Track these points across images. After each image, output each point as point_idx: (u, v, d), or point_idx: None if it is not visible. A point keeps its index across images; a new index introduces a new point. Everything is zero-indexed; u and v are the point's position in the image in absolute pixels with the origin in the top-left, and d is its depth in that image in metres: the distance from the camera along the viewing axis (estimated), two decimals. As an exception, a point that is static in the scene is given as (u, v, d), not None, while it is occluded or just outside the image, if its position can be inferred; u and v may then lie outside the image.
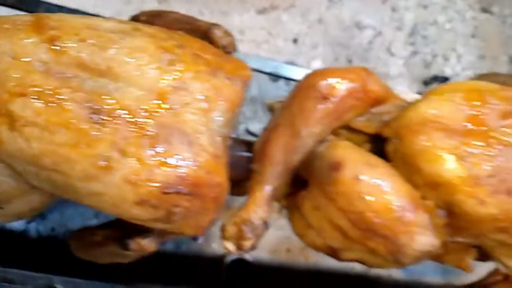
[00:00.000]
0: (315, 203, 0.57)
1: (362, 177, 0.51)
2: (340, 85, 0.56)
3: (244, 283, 0.90)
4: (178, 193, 0.47)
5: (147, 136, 0.46)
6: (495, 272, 0.64)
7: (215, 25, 0.58)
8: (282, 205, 0.66)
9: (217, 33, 0.58)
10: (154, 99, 0.48)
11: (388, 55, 1.16)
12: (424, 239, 0.51)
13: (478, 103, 0.52)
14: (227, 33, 0.58)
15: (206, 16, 1.13)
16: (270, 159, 0.58)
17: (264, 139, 0.59)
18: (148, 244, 0.52)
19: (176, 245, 0.92)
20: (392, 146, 0.56)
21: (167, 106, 0.47)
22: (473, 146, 0.50)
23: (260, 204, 0.59)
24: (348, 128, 0.61)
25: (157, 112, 0.47)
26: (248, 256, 0.93)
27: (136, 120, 0.46)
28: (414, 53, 1.15)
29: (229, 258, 0.91)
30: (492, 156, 0.50)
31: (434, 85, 1.12)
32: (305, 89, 0.56)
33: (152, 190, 0.46)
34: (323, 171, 0.55)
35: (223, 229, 0.60)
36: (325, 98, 0.55)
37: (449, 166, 0.50)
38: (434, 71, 1.14)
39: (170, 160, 0.46)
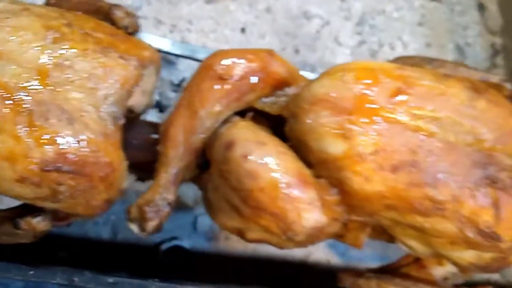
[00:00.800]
0: (215, 183, 0.57)
1: (250, 155, 0.51)
2: (237, 66, 0.56)
3: (180, 271, 0.90)
4: (58, 170, 0.47)
5: (23, 113, 0.46)
6: (407, 254, 0.65)
7: (115, 6, 0.58)
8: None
9: (118, 13, 0.58)
10: (34, 77, 0.48)
11: (336, 45, 1.17)
12: (311, 216, 0.51)
13: (369, 82, 0.53)
14: (128, 14, 0.58)
15: (153, 5, 1.13)
16: (171, 140, 0.58)
17: (167, 121, 0.60)
18: (38, 223, 0.52)
19: (113, 233, 0.92)
20: (288, 126, 0.56)
21: (47, 83, 0.47)
22: (358, 124, 0.51)
23: (164, 186, 0.59)
24: (256, 109, 0.62)
25: (35, 89, 0.47)
26: (185, 244, 0.93)
27: (12, 97, 0.46)
28: (361, 42, 1.15)
29: (164, 246, 0.91)
30: (377, 133, 0.50)
31: None
32: (203, 69, 0.57)
33: (30, 167, 0.46)
34: (219, 150, 0.55)
35: (127, 211, 0.60)
36: (221, 78, 0.55)
37: (334, 143, 0.51)
38: (380, 60, 1.14)
39: (47, 137, 0.46)
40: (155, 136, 0.61)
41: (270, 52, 0.59)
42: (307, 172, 0.53)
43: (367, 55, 1.17)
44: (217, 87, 0.55)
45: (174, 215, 0.98)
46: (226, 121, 0.60)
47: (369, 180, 0.50)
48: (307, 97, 0.54)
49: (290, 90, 0.61)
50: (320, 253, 0.98)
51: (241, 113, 0.62)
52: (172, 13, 1.13)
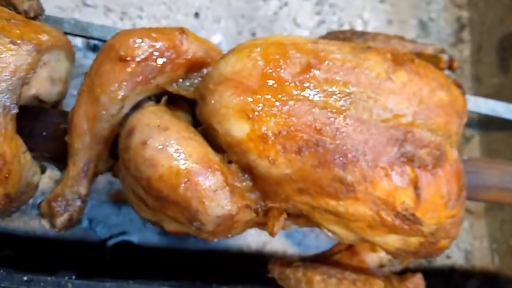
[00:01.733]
0: (122, 174, 0.53)
1: (149, 141, 0.48)
2: (142, 45, 0.52)
3: (128, 266, 0.87)
4: None
5: None
6: (339, 242, 0.61)
7: (14, -11, 0.55)
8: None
9: (17, -3, 0.54)
10: None
11: (294, 26, 1.12)
12: (216, 204, 0.47)
13: (277, 57, 0.49)
14: (29, -2, 0.54)
15: (101, -7, 1.10)
16: (76, 130, 0.55)
17: (72, 109, 0.56)
18: None
19: (60, 229, 0.89)
20: (197, 109, 0.52)
21: None
22: (264, 103, 0.47)
23: (73, 179, 0.56)
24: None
25: None
26: (134, 239, 0.90)
27: None
28: (321, 22, 1.10)
29: (112, 242, 0.88)
30: (282, 112, 0.46)
31: None
32: (104, 51, 0.53)
33: None
34: (122, 138, 0.52)
35: (38, 206, 0.57)
36: (122, 59, 0.52)
37: (237, 125, 0.47)
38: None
39: None
40: (64, 126, 0.58)
41: (181, 30, 0.55)
42: (214, 157, 0.49)
43: (326, 36, 1.13)
44: (118, 69, 0.51)
45: (123, 209, 0.97)
46: (137, 106, 0.56)
47: (275, 163, 0.46)
48: (213, 76, 0.50)
49: (206, 71, 0.57)
50: (276, 243, 0.95)
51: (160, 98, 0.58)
52: (122, 0, 1.09)
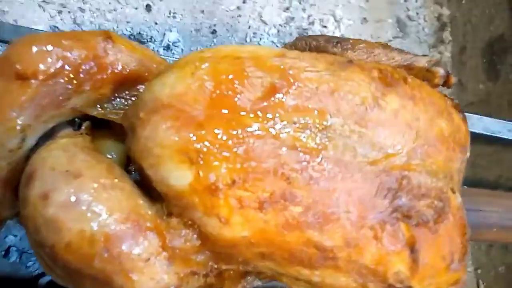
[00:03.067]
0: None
1: (52, 194, 0.35)
2: (48, 57, 0.39)
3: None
4: None
5: None
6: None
7: None
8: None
9: None
10: None
11: (260, 23, 0.99)
12: (149, 278, 0.35)
13: (231, 77, 0.36)
14: None
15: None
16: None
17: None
18: None
19: (-16, 266, 0.75)
20: (127, 142, 0.40)
21: None
22: (212, 141, 0.34)
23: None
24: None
25: None
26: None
27: None
28: (289, 19, 0.98)
29: (45, 278, 0.75)
30: (238, 154, 0.34)
31: None
32: (-3, 64, 0.39)
33: None
34: (21, 185, 0.38)
35: None
36: (21, 76, 0.38)
37: (176, 172, 0.34)
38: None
39: None
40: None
41: (105, 34, 0.42)
42: (146, 212, 0.36)
43: (295, 35, 1.01)
44: (16, 90, 0.38)
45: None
46: (49, 135, 0.43)
47: (228, 223, 0.34)
48: (146, 100, 0.37)
49: (140, 89, 0.44)
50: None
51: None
52: (60, -8, 0.94)
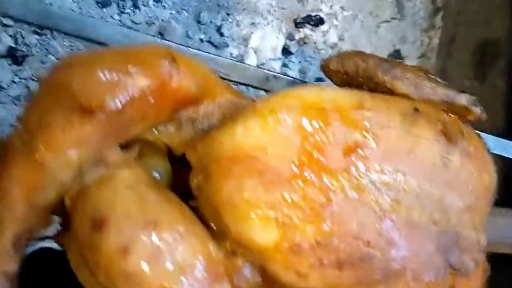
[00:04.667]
0: (77, 261, 0.38)
1: (134, 250, 0.33)
2: (115, 88, 0.34)
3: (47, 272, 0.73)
4: None
5: None
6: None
7: None
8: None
9: None
10: None
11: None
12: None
13: (317, 135, 0.36)
14: None
15: None
16: (5, 195, 0.36)
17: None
18: None
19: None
20: (195, 180, 0.38)
21: None
22: (298, 201, 0.35)
23: (-1, 255, 0.39)
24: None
25: None
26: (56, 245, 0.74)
27: None
28: (284, -12, 0.93)
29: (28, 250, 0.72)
30: (323, 214, 0.35)
31: (306, 30, 0.94)
32: (52, 91, 0.34)
33: None
34: (83, 225, 0.35)
35: None
36: (85, 109, 0.34)
37: (263, 231, 0.34)
38: (309, 7, 0.95)
39: None
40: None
41: (170, 56, 0.37)
42: (218, 256, 0.36)
43: (293, 0, 0.96)
44: (78, 124, 0.33)
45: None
46: (97, 159, 0.39)
47: (305, 277, 0.36)
48: (225, 145, 0.35)
49: (202, 110, 0.41)
50: None
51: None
52: None
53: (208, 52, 0.77)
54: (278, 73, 0.57)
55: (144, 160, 0.42)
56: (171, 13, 0.85)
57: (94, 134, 0.34)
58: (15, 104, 0.75)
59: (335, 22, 0.93)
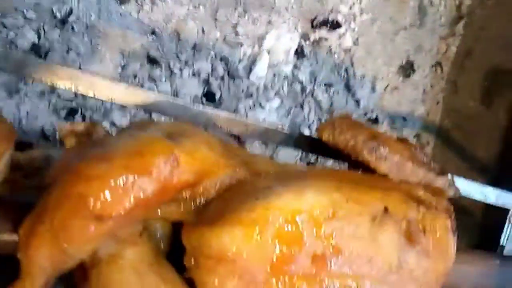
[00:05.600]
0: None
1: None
2: (125, 197, 0.41)
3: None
4: None
5: None
6: None
7: None
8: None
9: None
10: None
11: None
12: None
13: (290, 245, 0.42)
14: None
15: None
16: (34, 260, 0.45)
17: (29, 230, 0.45)
18: None
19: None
20: (188, 262, 0.45)
21: None
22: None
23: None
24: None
25: None
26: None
27: None
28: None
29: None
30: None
31: (322, 32, 0.93)
32: (71, 200, 0.40)
33: None
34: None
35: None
36: (99, 217, 0.40)
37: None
38: (329, 6, 0.92)
39: None
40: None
41: (171, 155, 0.42)
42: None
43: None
44: (94, 228, 0.40)
45: None
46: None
47: None
48: (213, 247, 0.42)
49: (201, 188, 0.47)
50: None
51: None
52: None
53: (209, 103, 0.79)
54: (279, 126, 0.61)
55: (147, 224, 0.50)
56: (188, 9, 0.85)
57: (107, 232, 0.42)
58: (40, 99, 0.81)
59: (352, 25, 0.92)
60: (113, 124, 0.83)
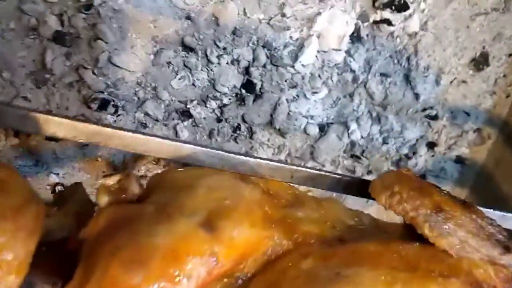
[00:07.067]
0: None
1: None
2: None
3: None
4: None
5: None
6: None
7: None
8: None
9: None
10: None
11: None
12: None
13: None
14: None
15: None
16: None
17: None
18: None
19: None
20: None
21: None
22: None
23: None
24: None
25: None
26: None
27: None
28: None
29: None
30: None
31: (385, 13, 0.78)
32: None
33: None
34: None
35: None
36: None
37: None
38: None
39: None
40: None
41: (210, 247, 0.38)
42: None
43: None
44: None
45: None
46: None
47: None
48: None
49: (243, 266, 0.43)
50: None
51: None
52: None
53: (248, 94, 0.69)
54: (327, 171, 0.54)
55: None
56: (229, -14, 0.73)
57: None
58: (69, 90, 0.75)
59: (422, 5, 0.77)
60: (147, 114, 0.77)
